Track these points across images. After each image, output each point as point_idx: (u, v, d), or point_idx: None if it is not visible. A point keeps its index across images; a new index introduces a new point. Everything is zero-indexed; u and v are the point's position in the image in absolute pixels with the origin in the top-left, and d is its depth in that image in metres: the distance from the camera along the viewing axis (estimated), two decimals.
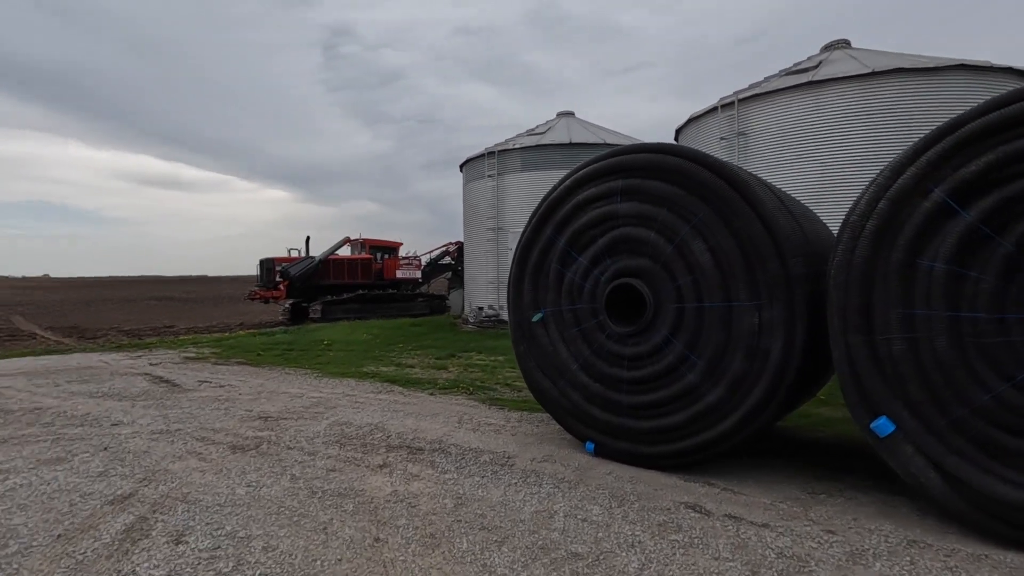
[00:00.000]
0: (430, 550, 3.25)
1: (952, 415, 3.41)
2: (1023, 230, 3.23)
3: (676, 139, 16.03)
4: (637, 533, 3.48)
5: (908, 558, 3.16)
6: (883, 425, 3.60)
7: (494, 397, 7.57)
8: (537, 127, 20.08)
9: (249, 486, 4.22)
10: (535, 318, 5.34)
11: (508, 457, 4.95)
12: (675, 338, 4.47)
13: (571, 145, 17.12)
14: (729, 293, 4.23)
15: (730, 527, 3.56)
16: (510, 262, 5.70)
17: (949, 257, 3.41)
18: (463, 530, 3.51)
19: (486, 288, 18.39)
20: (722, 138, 13.15)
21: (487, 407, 6.99)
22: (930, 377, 3.48)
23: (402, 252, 27.64)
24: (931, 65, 11.22)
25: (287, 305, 23.08)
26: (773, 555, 3.19)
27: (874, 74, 11.14)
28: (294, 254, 24.63)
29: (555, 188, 5.28)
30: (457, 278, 26.21)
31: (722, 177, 4.27)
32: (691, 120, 14.70)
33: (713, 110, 13.62)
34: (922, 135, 3.61)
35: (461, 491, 4.15)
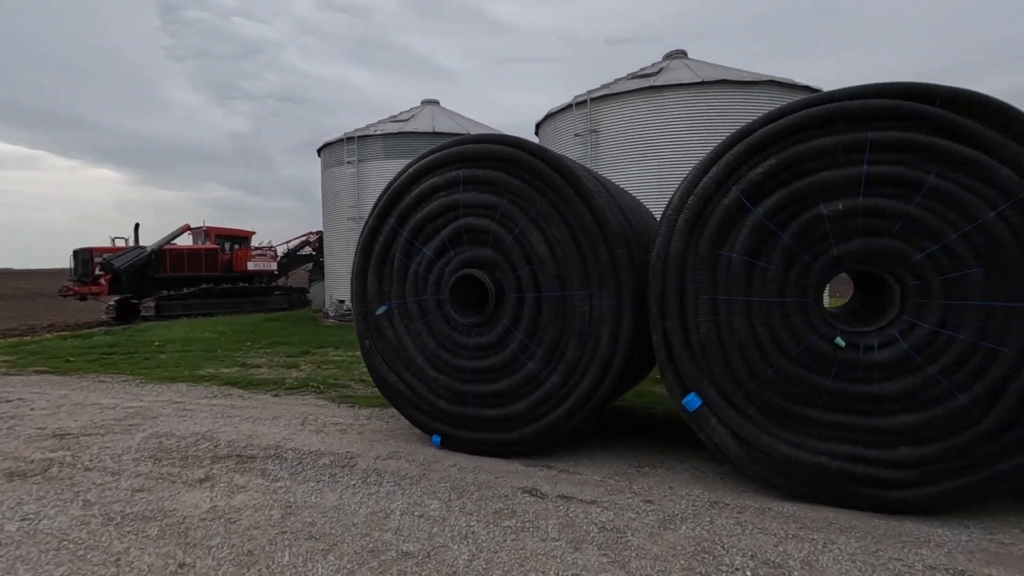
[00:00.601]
0: (244, 569, 2.97)
1: (746, 388, 3.87)
2: (798, 225, 3.73)
3: (536, 134, 16.53)
4: (472, 524, 3.49)
5: (708, 518, 3.53)
6: (692, 400, 3.98)
7: (346, 394, 7.23)
8: (401, 113, 19.54)
9: (24, 519, 3.56)
10: (379, 311, 5.15)
11: (351, 457, 4.73)
12: (516, 328, 4.56)
13: (435, 134, 16.89)
14: (564, 283, 4.40)
15: (561, 507, 3.71)
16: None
17: (744, 249, 3.84)
18: (287, 542, 3.26)
19: (347, 280, 17.59)
20: (576, 135, 13.80)
21: (336, 405, 6.65)
22: (729, 356, 3.90)
23: (255, 241, 25.46)
24: (748, 79, 12.74)
25: (112, 302, 20.15)
26: (596, 529, 3.38)
27: (703, 83, 12.37)
28: (120, 243, 21.54)
29: (398, 177, 5.11)
30: (319, 270, 24.77)
31: (556, 169, 4.41)
32: (549, 116, 15.22)
33: (568, 107, 14.22)
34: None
35: (292, 499, 3.87)
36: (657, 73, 14.15)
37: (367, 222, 5.25)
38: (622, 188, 6.74)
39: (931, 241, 3.42)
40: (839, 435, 3.67)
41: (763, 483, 3.93)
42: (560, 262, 4.40)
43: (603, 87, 14.42)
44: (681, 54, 15.74)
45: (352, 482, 4.19)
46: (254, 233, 25.47)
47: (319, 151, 19.49)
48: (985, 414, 3.32)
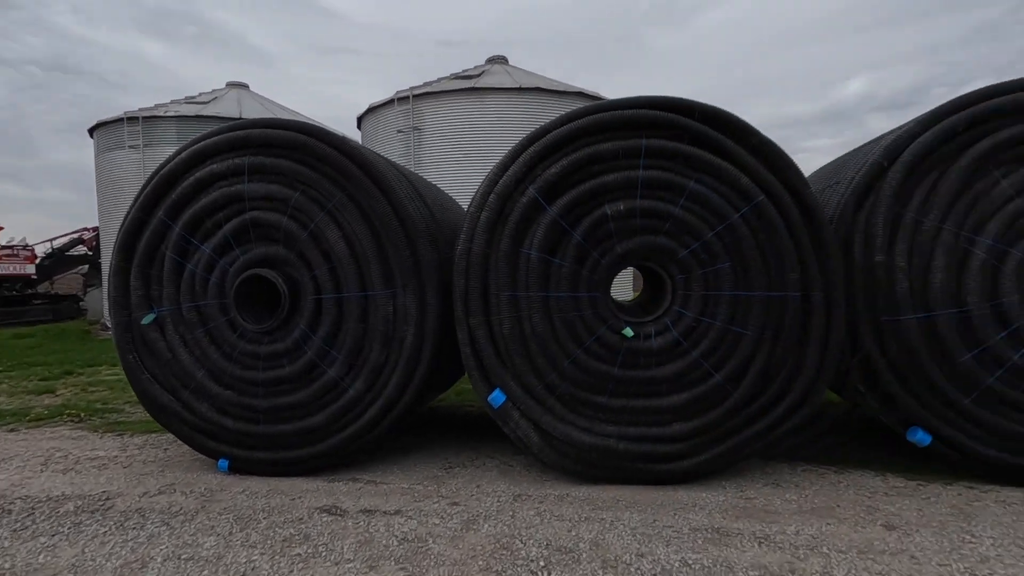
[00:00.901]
0: None
1: (546, 380, 4.00)
2: (588, 224, 3.95)
3: (358, 128, 15.81)
4: (254, 558, 3.07)
5: (511, 513, 3.57)
6: (496, 397, 4.01)
7: (115, 421, 6.06)
8: (201, 95, 17.24)
9: None
10: (146, 320, 4.35)
11: (107, 499, 3.91)
12: (314, 332, 4.17)
13: (240, 120, 15.21)
14: (365, 282, 4.13)
15: (362, 523, 3.46)
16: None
17: (541, 246, 3.96)
18: None
19: None
20: (399, 131, 13.47)
21: (99, 436, 5.53)
22: (531, 350, 4.00)
23: (3, 239, 20.55)
24: (561, 89, 13.61)
25: None
26: (396, 543, 3.20)
27: (521, 89, 12.92)
28: None
29: (169, 161, 4.37)
30: (96, 273, 20.83)
31: (354, 160, 4.12)
32: (371, 110, 14.65)
33: (391, 103, 13.82)
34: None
35: (9, 566, 3.04)
36: (479, 75, 14.43)
37: (128, 213, 4.40)
38: (431, 183, 6.65)
39: (693, 239, 3.86)
40: (626, 418, 3.97)
41: (563, 470, 4.11)
42: (361, 260, 4.12)
43: (426, 85, 14.29)
44: (502, 59, 16.27)
45: (103, 530, 3.44)
46: (1, 228, 20.54)
47: (91, 131, 16.33)
48: (735, 389, 3.84)
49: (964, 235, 3.77)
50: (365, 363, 4.15)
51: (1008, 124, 3.72)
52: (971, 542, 3.09)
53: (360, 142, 16.18)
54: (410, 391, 4.15)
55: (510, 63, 16.29)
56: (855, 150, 5.15)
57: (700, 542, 3.15)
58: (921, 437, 3.92)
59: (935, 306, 3.78)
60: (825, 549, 3.04)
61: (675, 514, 3.51)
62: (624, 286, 14.13)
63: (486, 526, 3.40)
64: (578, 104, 13.44)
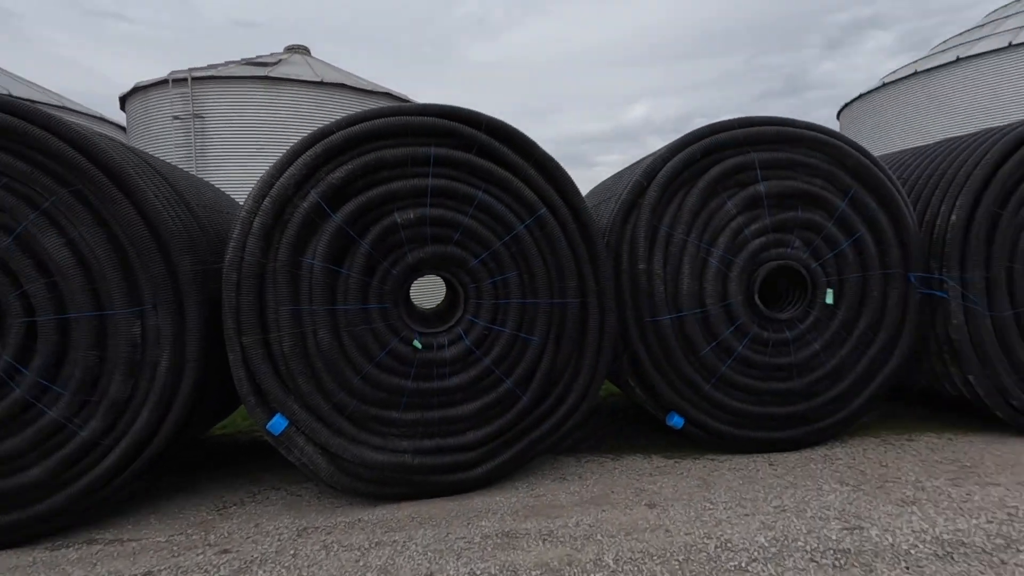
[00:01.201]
0: None
1: (334, 400, 3.72)
2: (376, 232, 3.77)
3: (122, 108, 13.37)
4: None
5: (292, 551, 3.22)
6: (276, 423, 3.61)
7: None
8: None
9: None
10: None
11: None
12: (25, 366, 3.30)
13: None
14: (101, 299, 3.40)
15: None
16: None
17: (325, 255, 3.67)
18: None
19: None
20: (176, 117, 11.71)
21: None
22: (316, 368, 3.68)
23: None
24: (367, 88, 13.15)
25: None
26: None
27: (322, 84, 12.16)
28: None
29: None
30: None
31: (84, 150, 3.36)
32: (138, 89, 12.50)
33: (164, 83, 11.94)
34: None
35: None
36: (276, 64, 13.25)
37: None
38: (205, 182, 5.84)
39: (483, 248, 3.93)
40: (420, 431, 3.89)
41: (357, 493, 3.87)
42: (94, 272, 3.38)
43: (210, 67, 12.65)
44: (303, 49, 15.17)
45: None
46: None
47: None
48: (524, 393, 4.00)
49: (703, 247, 4.46)
50: (104, 397, 3.41)
51: (731, 155, 4.49)
52: (710, 509, 3.63)
53: (125, 127, 13.70)
54: (166, 427, 3.52)
55: (313, 54, 15.28)
56: (625, 168, 5.80)
57: (490, 549, 3.19)
58: (676, 421, 4.53)
59: (684, 307, 4.40)
60: (599, 536, 3.30)
61: (468, 524, 3.52)
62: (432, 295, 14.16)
63: (261, 572, 3.01)
64: (381, 104, 13.22)
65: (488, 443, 3.99)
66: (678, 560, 3.00)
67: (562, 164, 4.13)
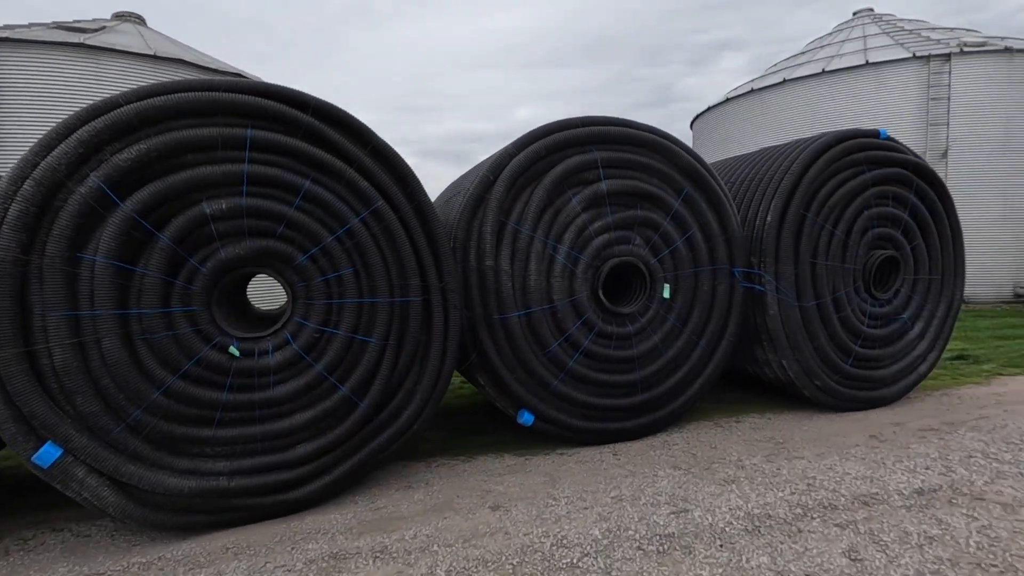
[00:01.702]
0: None
1: (128, 420, 3.16)
2: (180, 224, 3.27)
3: None
4: None
5: None
6: (46, 453, 2.98)
7: None
8: None
9: None
10: None
11: None
12: None
13: None
14: None
15: None
16: None
17: (111, 250, 3.10)
18: None
19: None
20: None
21: None
22: (102, 385, 3.10)
23: None
24: (211, 66, 11.86)
25: None
26: None
27: (156, 57, 10.75)
28: None
29: None
30: None
31: None
32: None
33: None
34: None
35: None
36: (98, 31, 11.49)
37: None
38: None
39: (312, 243, 3.58)
40: (240, 449, 3.45)
41: (160, 527, 3.34)
42: None
43: (7, 28, 10.63)
44: (136, 18, 13.35)
45: None
46: None
47: None
48: (362, 400, 3.72)
49: (550, 243, 4.47)
50: None
51: (576, 153, 4.55)
52: (552, 505, 3.62)
53: None
54: None
55: (148, 25, 13.50)
56: (475, 166, 5.70)
57: (312, 575, 2.88)
58: (527, 418, 4.51)
59: (532, 304, 4.39)
60: (436, 547, 3.13)
61: (293, 548, 3.17)
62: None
63: None
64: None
65: (321, 457, 3.65)
66: (512, 564, 2.92)
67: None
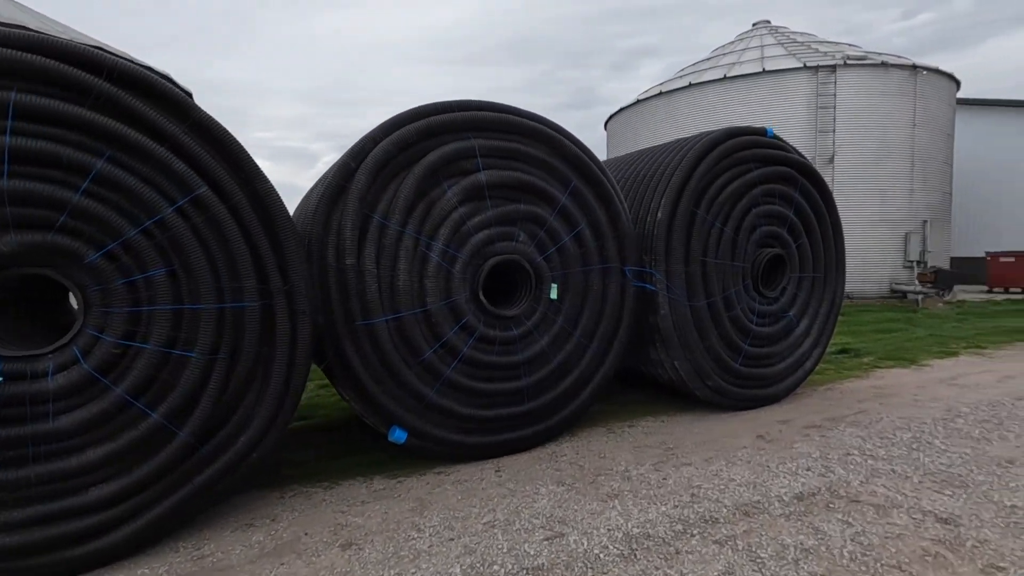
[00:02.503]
0: None
1: None
2: None
3: None
4: None
5: None
6: None
7: None
8: None
9: None
10: None
11: None
12: None
13: None
14: None
15: None
16: None
17: None
18: None
19: None
20: None
21: None
22: None
23: None
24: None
25: None
26: None
27: None
28: None
29: None
30: None
31: None
32: None
33: None
34: None
35: None
36: None
37: None
38: None
39: (109, 238, 2.90)
40: (12, 497, 2.72)
41: None
42: None
43: None
44: None
45: None
46: None
47: None
48: (181, 427, 3.08)
49: (423, 240, 4.01)
50: None
51: (451, 140, 4.12)
52: (414, 539, 3.16)
53: None
54: None
55: None
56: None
57: None
58: (398, 435, 4.02)
59: (401, 307, 3.91)
60: None
61: None
62: None
63: None
64: None
65: (128, 497, 2.98)
66: None
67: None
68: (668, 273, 4.93)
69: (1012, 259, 17.99)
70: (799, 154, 5.78)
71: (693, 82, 17.00)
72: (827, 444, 4.50)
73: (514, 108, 4.37)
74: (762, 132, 5.55)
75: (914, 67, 15.72)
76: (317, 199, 3.82)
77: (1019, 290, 18.02)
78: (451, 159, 4.08)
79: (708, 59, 19.39)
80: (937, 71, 16.36)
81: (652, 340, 5.17)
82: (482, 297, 4.22)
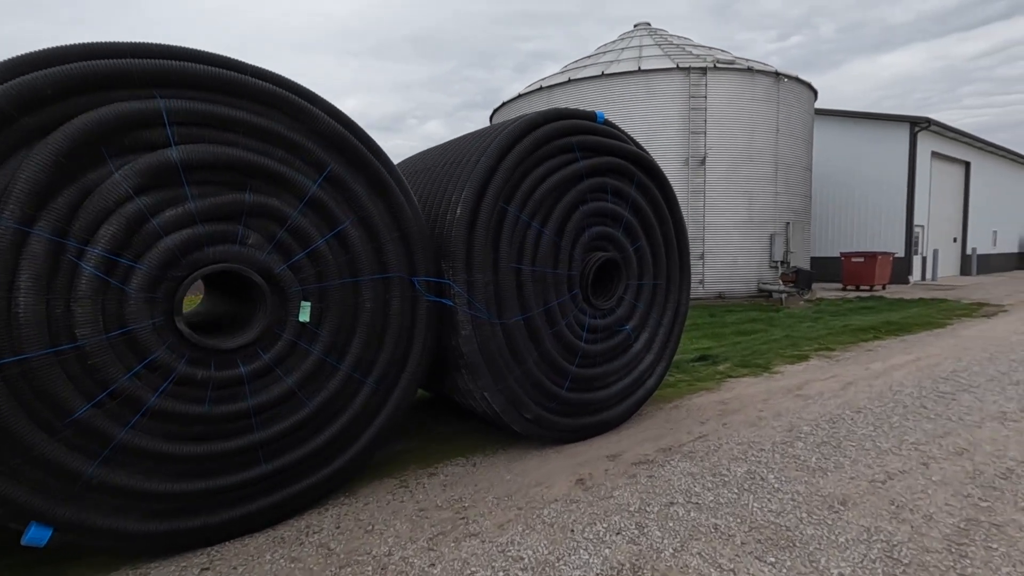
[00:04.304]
0: None
1: None
2: None
3: None
4: None
5: None
6: None
7: None
8: None
9: None
10: None
11: None
12: None
13: None
14: None
15: None
16: None
17: None
18: None
19: None
20: None
21: None
22: None
23: None
24: None
25: None
26: None
27: None
28: None
29: None
30: None
31: None
32: None
33: None
34: None
35: None
36: None
37: None
38: None
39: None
40: None
41: None
42: None
43: None
44: None
45: None
46: None
47: None
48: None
49: (71, 243, 2.70)
50: None
51: (123, 98, 2.84)
52: None
53: None
54: None
55: None
56: None
57: None
58: (37, 535, 2.69)
59: (26, 346, 2.58)
60: None
61: None
62: None
63: None
64: None
65: None
66: None
67: None
68: (470, 284, 3.96)
69: (862, 259, 19.35)
70: (636, 144, 5.08)
71: (572, 78, 16.55)
72: (652, 488, 3.74)
73: (236, 61, 3.17)
74: (591, 116, 4.76)
75: (777, 74, 16.29)
76: None
77: (867, 287, 19.44)
78: (120, 126, 2.81)
79: (589, 56, 19.13)
80: (797, 79, 17.11)
81: (456, 365, 4.19)
82: (180, 324, 2.98)
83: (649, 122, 15.57)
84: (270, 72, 3.27)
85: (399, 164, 6.09)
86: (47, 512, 2.70)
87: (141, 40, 2.93)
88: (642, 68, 15.71)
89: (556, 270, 4.43)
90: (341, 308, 3.54)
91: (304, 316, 3.38)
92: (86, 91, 2.75)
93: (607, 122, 4.90)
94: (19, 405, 2.59)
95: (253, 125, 3.16)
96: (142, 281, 2.86)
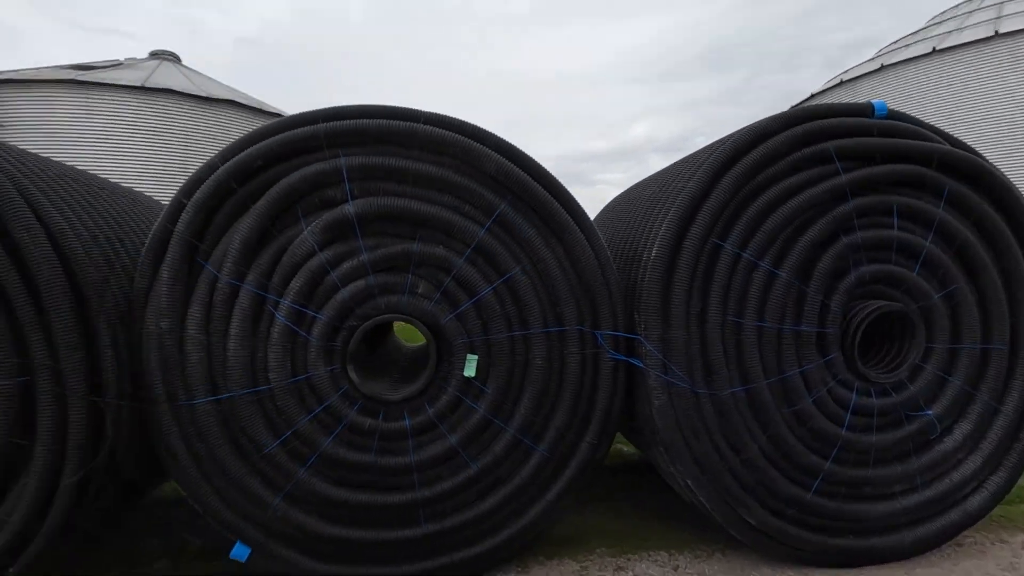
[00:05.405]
0: None
1: None
2: None
3: None
4: None
5: None
6: None
7: None
8: None
9: None
10: None
11: None
12: None
13: None
14: None
15: None
16: None
17: None
18: None
19: None
20: None
21: None
22: None
23: None
24: (255, 105, 11.89)
25: None
26: None
27: (147, 89, 10.89)
28: None
29: None
30: None
31: None
32: None
33: None
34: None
35: None
36: (140, 69, 12.01)
37: None
38: None
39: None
40: None
41: None
42: None
43: (9, 71, 11.41)
44: (172, 56, 13.97)
45: None
46: None
47: None
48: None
49: (271, 297, 3.03)
50: None
51: (313, 161, 3.08)
52: None
53: None
54: None
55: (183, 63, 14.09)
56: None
57: None
58: (239, 551, 3.06)
59: (231, 383, 2.97)
60: None
61: None
62: None
63: None
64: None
65: None
66: None
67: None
68: (665, 342, 3.17)
69: None
70: (943, 139, 3.45)
71: (886, 63, 13.17)
72: None
73: (411, 111, 3.17)
74: (864, 110, 3.40)
75: None
76: (146, 247, 3.11)
77: None
78: (307, 188, 3.05)
79: (916, 32, 14.98)
80: None
81: (653, 440, 3.40)
82: (352, 373, 3.07)
83: (1016, 103, 11.28)
84: (443, 116, 3.18)
85: (625, 193, 5.54)
86: (244, 531, 3.04)
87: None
88: (1000, 31, 11.51)
89: (798, 326, 3.24)
90: (509, 364, 3.20)
91: (470, 371, 3.14)
92: (285, 159, 3.07)
93: (894, 114, 3.44)
94: (220, 432, 2.97)
95: (420, 173, 3.10)
96: (322, 330, 3.03)
